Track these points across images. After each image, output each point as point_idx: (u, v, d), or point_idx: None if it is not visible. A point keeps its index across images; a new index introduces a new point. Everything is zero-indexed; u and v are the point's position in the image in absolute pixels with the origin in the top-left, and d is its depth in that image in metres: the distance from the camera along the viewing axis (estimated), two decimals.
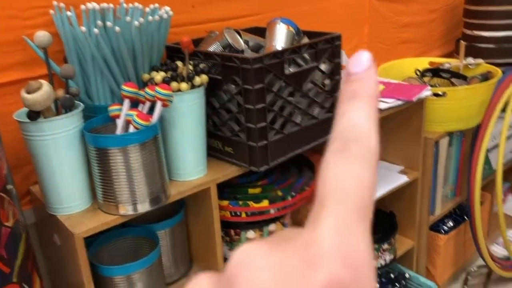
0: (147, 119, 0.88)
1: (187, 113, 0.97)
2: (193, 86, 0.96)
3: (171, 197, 0.97)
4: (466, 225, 1.80)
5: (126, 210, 0.91)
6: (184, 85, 0.94)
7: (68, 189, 0.91)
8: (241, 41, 1.10)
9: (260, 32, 1.20)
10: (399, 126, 1.54)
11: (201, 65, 1.00)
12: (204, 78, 0.97)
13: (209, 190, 1.03)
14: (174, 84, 0.94)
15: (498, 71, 1.65)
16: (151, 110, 0.93)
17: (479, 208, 1.69)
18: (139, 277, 0.98)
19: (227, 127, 1.06)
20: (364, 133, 0.21)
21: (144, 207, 0.92)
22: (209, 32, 1.17)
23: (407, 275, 1.64)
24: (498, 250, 2.01)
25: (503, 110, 1.67)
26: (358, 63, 0.23)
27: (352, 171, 0.20)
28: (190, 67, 0.98)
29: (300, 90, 1.08)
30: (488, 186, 1.84)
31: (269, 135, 1.03)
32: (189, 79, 0.95)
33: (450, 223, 1.80)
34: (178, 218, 1.09)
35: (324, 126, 1.17)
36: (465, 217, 1.81)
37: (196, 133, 1.00)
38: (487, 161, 1.79)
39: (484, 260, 1.78)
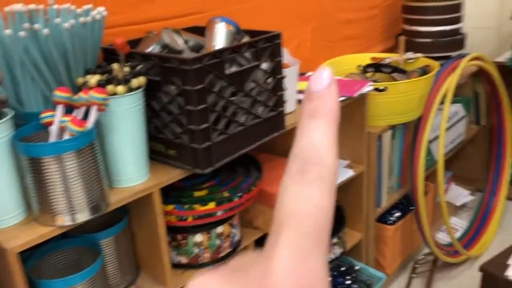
0: (82, 125, 0.84)
1: (125, 117, 0.94)
2: (130, 89, 0.93)
3: (112, 204, 0.94)
4: (412, 215, 1.86)
5: (64, 221, 0.87)
6: (120, 88, 0.91)
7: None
8: (180, 41, 1.08)
9: (201, 31, 1.18)
10: (343, 122, 1.56)
11: (139, 67, 0.97)
12: (141, 80, 0.95)
13: (152, 195, 1.00)
14: (109, 88, 0.90)
15: (436, 65, 1.71)
16: (87, 115, 0.89)
17: (423, 198, 1.74)
18: None
19: (169, 129, 1.04)
20: (324, 153, 0.21)
21: (82, 216, 0.88)
22: (147, 33, 1.14)
23: (357, 267, 1.68)
24: (443, 237, 2.10)
25: (442, 102, 1.74)
26: (319, 80, 0.23)
27: (309, 194, 0.20)
28: (127, 69, 0.95)
29: (242, 90, 1.07)
30: (431, 176, 1.90)
31: (213, 136, 1.02)
32: (126, 81, 0.92)
33: (397, 214, 1.85)
34: (121, 225, 1.06)
35: (269, 125, 1.17)
36: (411, 207, 1.87)
37: (136, 137, 0.97)
38: (429, 152, 1.86)
39: (429, 247, 1.84)
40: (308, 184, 0.20)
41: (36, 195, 0.87)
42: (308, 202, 0.20)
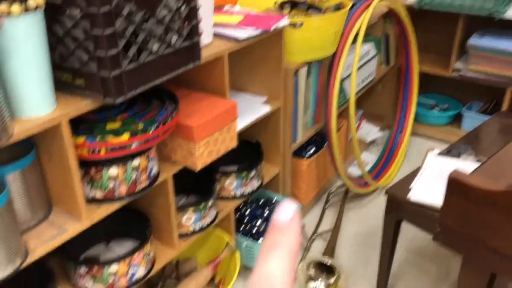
0: None
1: (24, 40, 0.86)
2: (27, 9, 0.86)
3: (14, 136, 0.88)
4: (326, 150, 1.95)
5: None
6: (15, 7, 0.83)
7: None
8: None
9: None
10: (261, 58, 1.57)
11: None
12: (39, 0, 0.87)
13: (60, 126, 0.95)
14: (2, 6, 0.82)
15: (349, 3, 1.75)
16: None
17: (335, 134, 1.83)
18: None
19: (76, 57, 0.98)
20: (276, 285, 0.23)
21: None
22: None
23: (274, 199, 1.74)
24: (354, 171, 2.23)
25: (355, 42, 1.79)
26: (283, 212, 0.25)
27: None
28: None
29: (153, 16, 1.03)
30: (344, 113, 1.99)
31: (123, 64, 0.98)
32: (21, 0, 0.84)
33: (312, 149, 1.93)
34: (28, 159, 1.00)
35: (183, 55, 1.14)
36: (325, 143, 1.95)
37: (38, 63, 0.90)
38: (342, 90, 1.93)
39: (342, 179, 1.96)
40: None
41: None
42: None
